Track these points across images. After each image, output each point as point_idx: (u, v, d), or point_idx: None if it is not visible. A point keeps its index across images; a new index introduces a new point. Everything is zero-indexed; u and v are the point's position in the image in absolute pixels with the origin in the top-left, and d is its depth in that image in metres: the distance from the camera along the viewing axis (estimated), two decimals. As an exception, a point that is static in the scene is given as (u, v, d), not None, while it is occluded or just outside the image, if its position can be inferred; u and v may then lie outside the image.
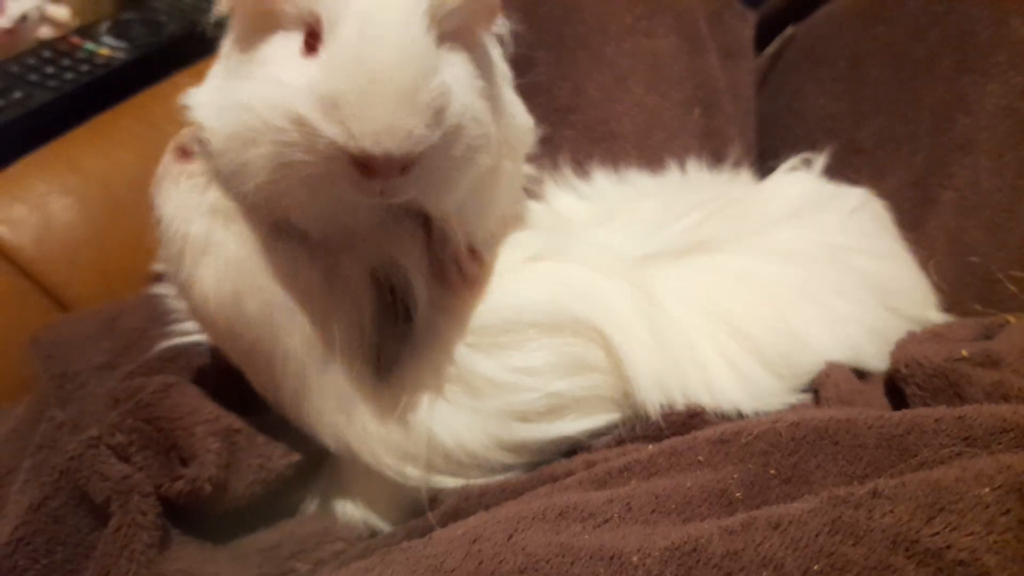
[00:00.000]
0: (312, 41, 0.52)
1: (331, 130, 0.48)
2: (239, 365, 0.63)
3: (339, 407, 0.60)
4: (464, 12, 0.55)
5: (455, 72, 0.54)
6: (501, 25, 0.64)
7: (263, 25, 0.55)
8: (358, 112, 0.48)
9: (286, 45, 0.53)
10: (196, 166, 0.60)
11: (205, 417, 0.63)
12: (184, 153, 0.61)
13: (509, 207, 0.70)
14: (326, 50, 0.51)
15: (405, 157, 0.49)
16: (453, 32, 0.55)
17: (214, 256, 0.59)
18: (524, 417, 0.63)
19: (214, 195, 0.59)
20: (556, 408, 0.64)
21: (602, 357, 0.64)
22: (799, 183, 0.83)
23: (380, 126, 0.48)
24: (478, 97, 0.56)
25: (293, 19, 0.53)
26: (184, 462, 0.63)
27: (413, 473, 0.62)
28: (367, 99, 0.48)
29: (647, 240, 0.71)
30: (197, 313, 0.62)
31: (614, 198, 0.86)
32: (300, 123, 0.49)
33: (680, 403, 0.64)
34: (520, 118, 0.71)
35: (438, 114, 0.50)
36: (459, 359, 0.62)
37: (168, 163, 0.62)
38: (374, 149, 0.48)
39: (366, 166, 0.49)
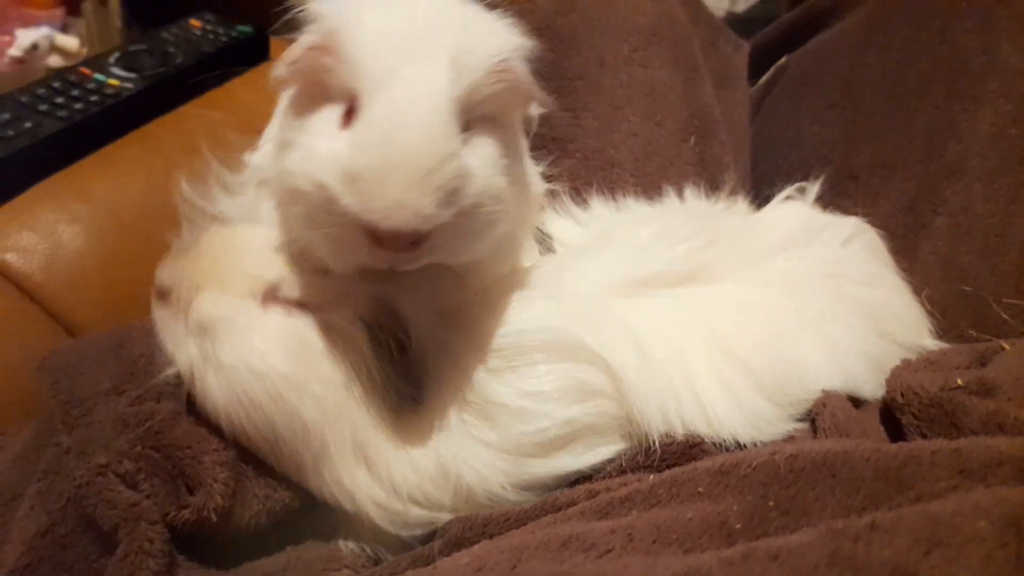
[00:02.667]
0: (350, 115, 0.57)
1: (347, 200, 0.53)
2: (263, 456, 0.65)
3: (358, 459, 0.62)
4: (497, 100, 0.60)
5: (481, 153, 0.59)
6: (535, 107, 0.68)
7: (316, 95, 0.60)
8: (373, 188, 0.53)
9: (329, 117, 0.58)
10: (172, 299, 0.66)
11: (213, 446, 0.64)
12: (160, 294, 0.67)
13: (519, 256, 0.75)
14: (357, 126, 0.55)
15: (413, 233, 0.54)
16: (484, 116, 0.60)
17: (212, 370, 0.63)
18: (538, 450, 0.64)
19: (194, 318, 0.64)
20: (568, 437, 0.65)
21: (606, 383, 0.65)
22: (793, 214, 0.84)
23: (390, 202, 0.53)
24: (501, 176, 0.60)
25: (339, 93, 0.58)
26: (191, 490, 0.63)
27: (440, 518, 0.63)
28: (383, 176, 0.53)
29: (642, 267, 0.72)
30: (216, 422, 0.65)
31: (610, 225, 0.87)
32: (323, 190, 0.54)
33: (680, 431, 0.65)
34: (535, 185, 0.76)
35: (452, 195, 0.55)
36: (477, 384, 0.64)
37: (153, 307, 0.69)
38: (382, 223, 0.53)
39: (377, 237, 0.54)
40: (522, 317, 0.66)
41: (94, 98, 1.00)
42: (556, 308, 0.67)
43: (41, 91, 0.99)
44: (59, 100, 0.98)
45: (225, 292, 0.64)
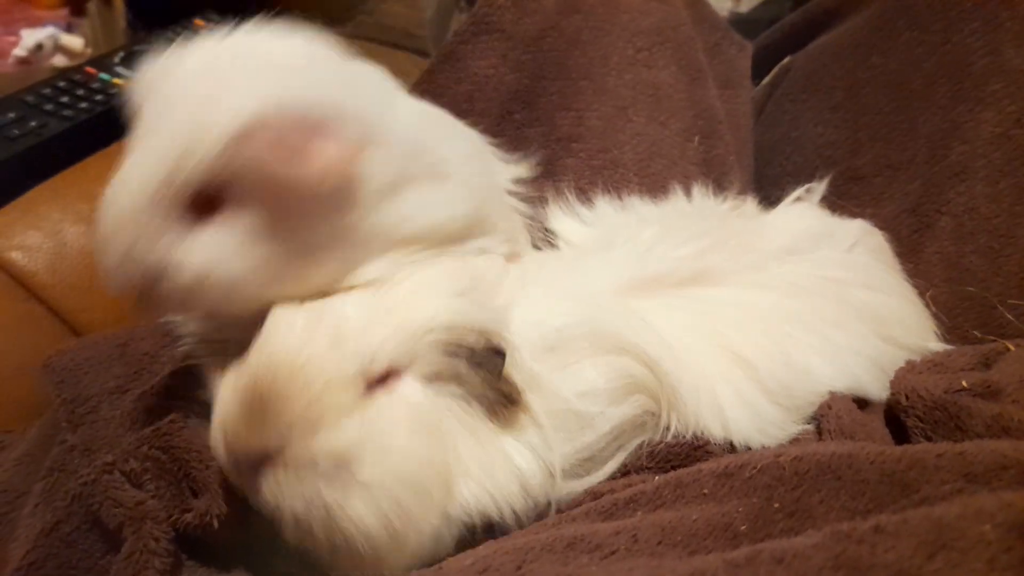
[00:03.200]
0: None
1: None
2: None
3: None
4: (253, 172, 0.56)
5: (218, 238, 0.57)
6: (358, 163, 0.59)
7: None
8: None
9: None
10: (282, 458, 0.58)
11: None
12: (258, 464, 0.58)
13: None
14: None
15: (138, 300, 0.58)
16: (244, 191, 0.57)
17: (355, 497, 0.55)
18: (593, 464, 0.63)
19: (325, 460, 0.56)
20: (617, 444, 0.65)
21: (647, 374, 0.64)
22: (801, 218, 0.84)
23: (104, 272, 0.58)
24: (241, 260, 0.58)
25: None
26: (195, 494, 0.64)
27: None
28: (98, 248, 0.58)
29: (648, 268, 0.72)
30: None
31: (615, 224, 0.87)
32: None
33: (691, 430, 0.65)
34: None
35: (155, 279, 0.57)
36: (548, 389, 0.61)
37: (256, 485, 0.59)
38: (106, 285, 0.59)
39: None
40: (547, 314, 0.64)
41: (99, 97, 1.00)
42: (579, 304, 0.66)
43: (46, 91, 1.00)
44: (64, 100, 0.99)
45: (333, 412, 0.56)
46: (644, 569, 0.46)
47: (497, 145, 0.88)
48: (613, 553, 0.49)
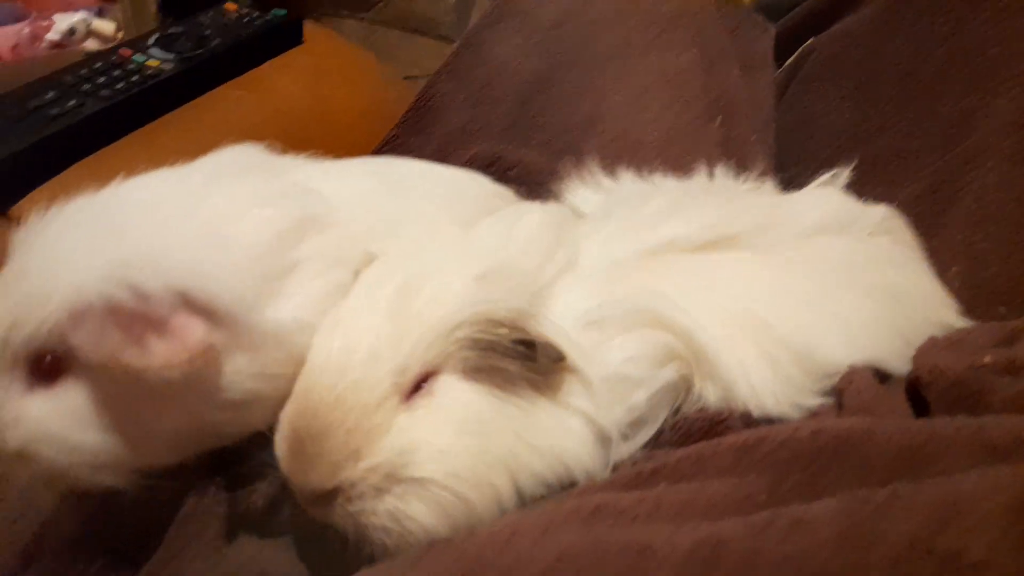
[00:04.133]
0: None
1: None
2: None
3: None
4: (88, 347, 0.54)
5: (53, 404, 0.56)
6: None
7: None
8: None
9: None
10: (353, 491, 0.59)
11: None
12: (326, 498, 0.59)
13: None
14: None
15: None
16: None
17: (414, 498, 0.57)
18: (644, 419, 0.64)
19: (378, 473, 0.58)
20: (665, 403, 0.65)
21: (680, 344, 0.65)
22: (827, 201, 0.84)
23: None
24: (78, 428, 0.56)
25: None
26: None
27: None
28: None
29: (664, 231, 0.73)
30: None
31: (632, 191, 0.88)
32: None
33: (714, 397, 0.66)
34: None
35: None
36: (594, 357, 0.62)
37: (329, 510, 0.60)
38: None
39: None
40: (581, 298, 0.65)
41: (134, 78, 1.02)
42: (605, 287, 0.66)
43: (83, 72, 1.02)
44: (100, 80, 1.01)
45: (370, 435, 0.57)
46: (666, 532, 0.47)
47: (518, 128, 0.88)
48: (636, 519, 0.51)
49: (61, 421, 0.56)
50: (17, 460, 0.56)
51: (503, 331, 0.58)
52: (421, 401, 0.58)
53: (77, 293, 0.53)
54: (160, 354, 0.53)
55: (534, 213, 0.69)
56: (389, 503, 0.55)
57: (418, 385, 0.58)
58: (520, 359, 0.60)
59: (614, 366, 0.63)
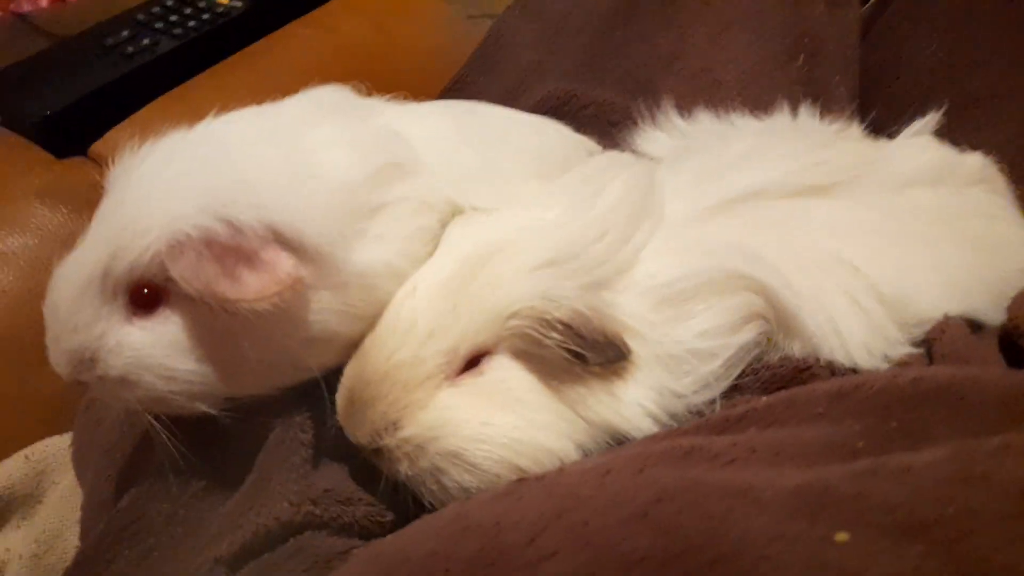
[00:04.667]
0: None
1: None
2: None
3: None
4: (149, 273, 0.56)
5: (158, 331, 0.58)
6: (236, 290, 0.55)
7: None
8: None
9: None
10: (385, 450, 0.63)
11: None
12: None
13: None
14: None
15: (68, 377, 0.59)
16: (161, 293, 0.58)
17: (449, 465, 0.60)
18: (719, 382, 0.64)
19: (412, 442, 0.61)
20: (740, 360, 0.65)
21: (761, 302, 0.64)
22: (923, 151, 0.81)
23: (48, 351, 0.59)
24: (176, 356, 0.58)
25: None
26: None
27: None
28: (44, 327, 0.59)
29: (751, 177, 0.70)
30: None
31: (713, 132, 0.85)
32: None
33: (797, 350, 0.65)
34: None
35: (88, 362, 0.58)
36: (663, 339, 0.62)
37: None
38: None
39: None
40: (661, 268, 0.64)
41: (206, 16, 1.02)
42: (686, 250, 0.65)
43: (156, 9, 1.02)
44: (173, 19, 1.01)
45: (410, 409, 0.60)
46: (766, 476, 0.47)
47: (594, 64, 0.84)
48: (732, 462, 0.50)
49: (160, 349, 0.58)
50: (120, 385, 0.58)
51: (554, 336, 0.59)
52: (468, 379, 0.60)
53: (175, 225, 0.54)
54: (251, 286, 0.54)
55: (619, 179, 0.67)
56: (424, 467, 0.59)
57: (475, 361, 0.60)
58: (570, 361, 0.60)
59: (687, 343, 0.62)
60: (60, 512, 0.80)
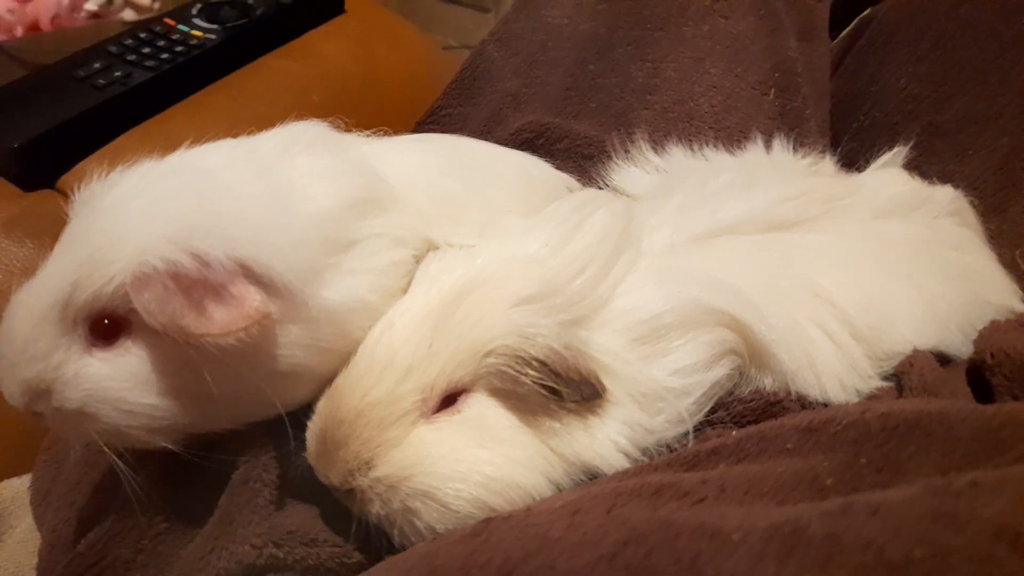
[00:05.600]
0: None
1: None
2: None
3: None
4: (112, 304, 0.55)
5: (118, 362, 0.56)
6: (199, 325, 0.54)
7: None
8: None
9: None
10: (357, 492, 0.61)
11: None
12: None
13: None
14: None
15: (23, 408, 0.57)
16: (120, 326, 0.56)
17: (419, 504, 0.58)
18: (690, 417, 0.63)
19: (383, 483, 0.59)
20: (712, 396, 0.65)
21: (735, 338, 0.64)
22: (893, 183, 0.82)
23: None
24: (137, 389, 0.56)
25: None
26: None
27: None
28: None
29: (728, 211, 0.71)
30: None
31: (689, 169, 0.85)
32: None
33: (769, 384, 0.65)
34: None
35: (43, 393, 0.56)
36: (638, 377, 0.62)
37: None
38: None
39: None
40: (638, 303, 0.63)
41: (179, 48, 1.02)
42: (664, 284, 0.64)
43: (129, 41, 1.02)
44: (146, 50, 1.01)
45: (383, 448, 0.58)
46: (736, 516, 0.46)
47: (569, 96, 0.86)
48: (702, 500, 0.50)
49: (119, 382, 0.56)
50: (77, 418, 0.56)
51: (531, 373, 0.58)
52: (444, 417, 0.59)
53: (142, 256, 0.53)
54: (217, 320, 0.53)
55: (598, 214, 0.67)
56: (396, 508, 0.58)
57: (451, 399, 0.60)
58: (546, 396, 0.59)
59: (661, 381, 0.62)
60: (17, 557, 0.77)
